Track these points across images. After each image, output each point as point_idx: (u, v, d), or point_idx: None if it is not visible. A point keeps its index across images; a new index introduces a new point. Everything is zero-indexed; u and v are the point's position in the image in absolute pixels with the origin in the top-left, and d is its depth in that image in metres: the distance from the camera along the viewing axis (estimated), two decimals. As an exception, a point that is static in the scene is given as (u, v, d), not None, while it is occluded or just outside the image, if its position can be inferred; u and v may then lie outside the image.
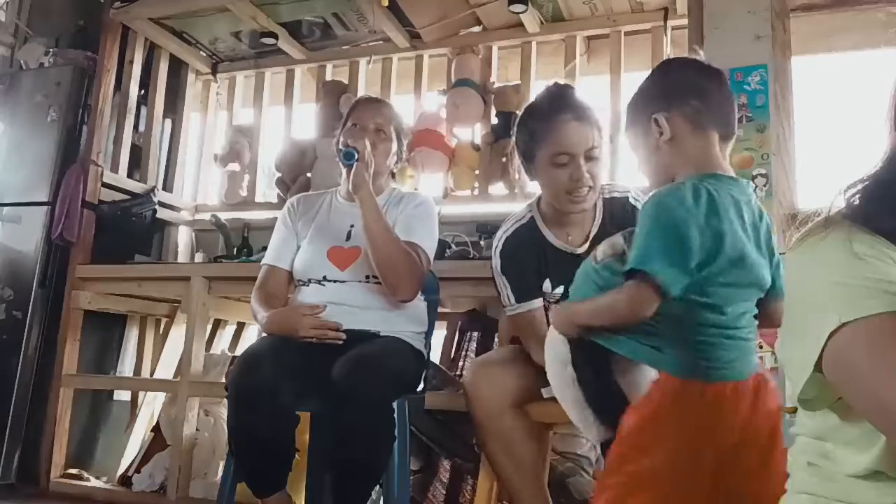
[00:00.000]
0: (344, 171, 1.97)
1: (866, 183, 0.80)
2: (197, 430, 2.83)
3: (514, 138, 1.83)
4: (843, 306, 0.73)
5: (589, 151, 1.71)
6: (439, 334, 2.75)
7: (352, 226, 2.03)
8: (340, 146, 2.00)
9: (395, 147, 2.09)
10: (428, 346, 2.10)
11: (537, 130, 1.74)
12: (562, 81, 1.89)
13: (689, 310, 1.18)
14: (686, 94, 1.31)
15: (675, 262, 1.14)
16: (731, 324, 1.20)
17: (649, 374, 1.22)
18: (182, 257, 3.69)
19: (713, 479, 1.12)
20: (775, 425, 1.20)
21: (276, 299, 2.04)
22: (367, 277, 1.96)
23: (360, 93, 3.47)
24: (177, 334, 3.41)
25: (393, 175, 2.19)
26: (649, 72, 1.48)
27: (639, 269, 1.15)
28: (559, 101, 1.76)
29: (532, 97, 2.00)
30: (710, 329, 1.19)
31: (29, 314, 3.05)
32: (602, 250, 1.34)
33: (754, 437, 1.16)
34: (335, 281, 1.98)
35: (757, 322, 1.28)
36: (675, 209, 1.17)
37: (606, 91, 3.04)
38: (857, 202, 0.80)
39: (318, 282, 1.99)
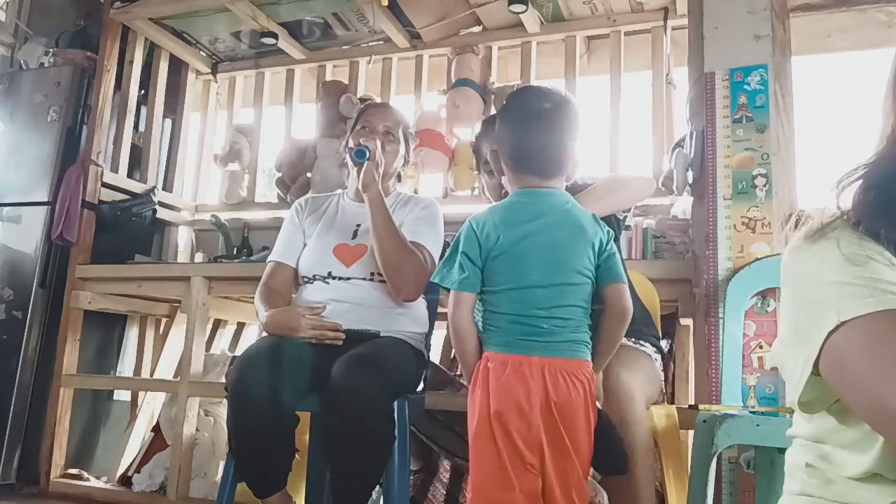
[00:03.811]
0: (354, 169, 1.98)
1: (858, 183, 0.80)
2: (197, 430, 2.83)
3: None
4: (841, 305, 0.73)
5: None
6: (439, 334, 2.75)
7: (358, 225, 2.05)
8: (351, 145, 2.02)
9: (402, 149, 2.13)
10: (428, 346, 2.10)
11: (478, 142, 2.01)
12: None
13: (488, 302, 1.47)
14: (501, 142, 1.57)
15: (460, 272, 1.45)
16: (519, 311, 1.42)
17: None
18: (182, 257, 3.69)
19: (497, 420, 1.37)
20: (563, 403, 1.39)
21: (280, 296, 2.05)
22: (372, 275, 1.97)
23: (360, 93, 3.47)
24: (177, 334, 3.41)
25: (399, 177, 2.21)
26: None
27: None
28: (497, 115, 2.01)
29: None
30: (501, 314, 1.44)
31: (29, 314, 3.05)
32: None
33: (537, 402, 1.38)
34: (340, 278, 1.98)
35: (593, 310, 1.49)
36: (466, 231, 1.48)
37: (606, 91, 3.04)
38: (850, 204, 0.80)
39: (323, 279, 1.99)
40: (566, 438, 1.37)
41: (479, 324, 1.50)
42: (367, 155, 1.93)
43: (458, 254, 1.47)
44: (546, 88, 1.60)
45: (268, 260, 2.14)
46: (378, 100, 3.24)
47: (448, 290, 1.50)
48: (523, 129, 1.53)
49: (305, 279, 2.05)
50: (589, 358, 1.46)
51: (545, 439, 1.37)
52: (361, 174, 1.92)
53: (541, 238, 1.45)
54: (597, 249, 1.48)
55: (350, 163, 2.02)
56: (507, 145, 1.55)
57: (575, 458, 1.38)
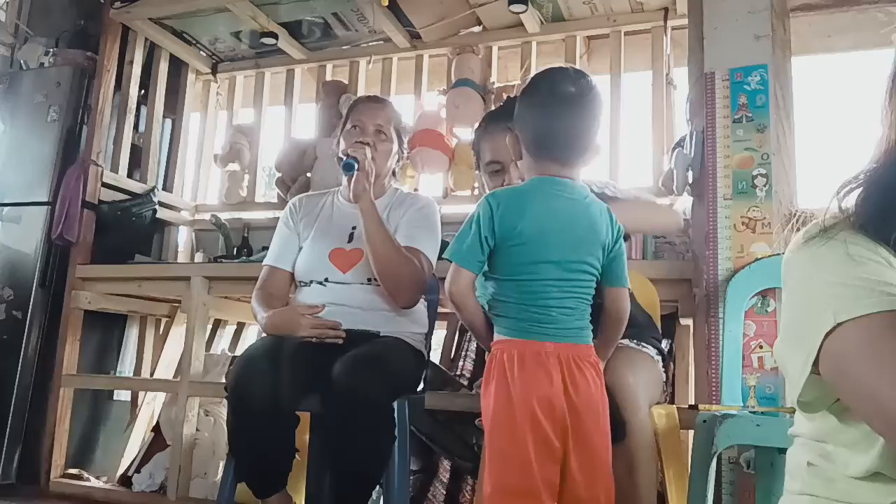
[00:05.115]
0: (344, 179, 1.96)
1: (861, 186, 0.80)
2: (197, 430, 2.83)
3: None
4: (838, 306, 0.73)
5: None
6: (439, 334, 2.75)
7: (354, 227, 2.03)
8: (341, 154, 2.00)
9: (395, 147, 2.10)
10: (428, 346, 2.10)
11: (479, 140, 1.93)
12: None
13: (495, 289, 1.47)
14: (523, 125, 1.51)
15: (469, 249, 1.44)
16: (530, 301, 1.42)
17: None
18: (182, 257, 3.69)
19: (525, 408, 1.35)
20: (582, 395, 1.40)
21: (277, 299, 2.04)
22: (370, 280, 1.96)
23: (360, 93, 3.46)
24: (177, 334, 3.41)
25: (394, 174, 2.19)
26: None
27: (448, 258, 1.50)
28: (498, 113, 1.93)
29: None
30: (510, 303, 1.44)
31: (29, 314, 3.04)
32: None
33: (559, 388, 1.38)
34: (337, 283, 1.97)
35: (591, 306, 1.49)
36: (483, 209, 1.45)
37: (606, 91, 3.04)
38: (852, 206, 0.80)
39: (320, 283, 1.99)
40: (588, 432, 1.38)
41: (484, 305, 1.50)
42: (357, 166, 1.90)
43: (474, 233, 1.45)
44: (573, 71, 1.54)
45: (263, 263, 2.13)
46: (377, 99, 3.24)
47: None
48: (548, 114, 1.47)
49: (302, 283, 2.04)
50: (592, 342, 1.48)
51: (570, 426, 1.37)
52: (352, 185, 1.90)
53: (558, 232, 1.44)
54: (605, 249, 1.48)
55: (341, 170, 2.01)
56: (529, 129, 1.50)
57: (600, 447, 1.39)
